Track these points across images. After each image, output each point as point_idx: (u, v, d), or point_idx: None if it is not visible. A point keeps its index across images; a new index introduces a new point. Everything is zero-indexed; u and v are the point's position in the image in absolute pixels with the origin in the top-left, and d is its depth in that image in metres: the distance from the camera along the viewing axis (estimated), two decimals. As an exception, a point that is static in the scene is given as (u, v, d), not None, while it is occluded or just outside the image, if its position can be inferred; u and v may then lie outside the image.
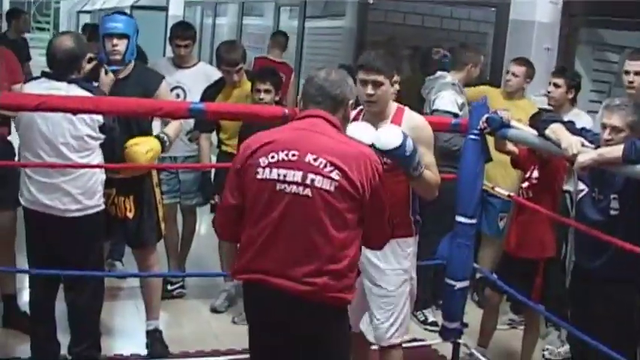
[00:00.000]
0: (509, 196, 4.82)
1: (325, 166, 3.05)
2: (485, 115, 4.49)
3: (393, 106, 4.01)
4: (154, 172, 4.82)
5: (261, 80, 5.32)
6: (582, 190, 4.20)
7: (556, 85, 5.44)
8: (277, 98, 5.38)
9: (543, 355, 5.37)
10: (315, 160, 3.06)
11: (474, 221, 4.64)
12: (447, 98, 5.60)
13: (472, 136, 4.55)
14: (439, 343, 5.09)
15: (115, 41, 4.62)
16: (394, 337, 4.03)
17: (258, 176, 3.12)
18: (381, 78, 3.84)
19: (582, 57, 6.60)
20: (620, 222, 3.95)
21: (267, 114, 4.38)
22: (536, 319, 4.97)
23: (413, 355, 5.05)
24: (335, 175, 3.05)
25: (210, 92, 5.58)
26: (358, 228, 3.17)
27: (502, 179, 5.62)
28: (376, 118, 3.91)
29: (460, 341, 4.89)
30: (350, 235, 3.13)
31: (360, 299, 3.88)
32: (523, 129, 4.43)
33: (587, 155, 3.79)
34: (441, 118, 5.16)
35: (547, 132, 4.06)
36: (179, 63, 5.96)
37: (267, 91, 5.26)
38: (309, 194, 3.05)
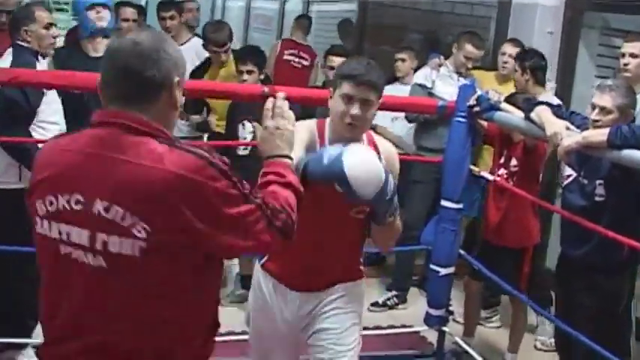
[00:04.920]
0: (494, 181, 4.67)
1: (123, 218, 1.99)
2: (477, 94, 4.36)
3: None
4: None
5: (242, 61, 5.21)
6: (570, 176, 4.08)
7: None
8: (262, 77, 5.27)
9: (535, 346, 5.27)
10: (106, 209, 2.00)
11: (460, 206, 4.51)
12: (420, 72, 5.84)
13: (459, 119, 4.41)
14: (427, 330, 4.94)
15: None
16: None
17: (37, 229, 2.13)
18: (373, 97, 2.93)
19: (587, 41, 6.44)
20: (605, 208, 3.83)
21: (245, 92, 4.26)
22: (522, 308, 4.83)
23: (400, 340, 5.06)
24: (138, 230, 1.99)
25: (198, 72, 5.59)
26: (202, 291, 2.16)
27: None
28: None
29: (446, 329, 4.77)
30: (187, 307, 2.11)
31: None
32: (513, 112, 4.28)
33: (571, 139, 3.65)
34: (429, 100, 5.16)
35: (532, 115, 3.93)
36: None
37: (249, 72, 5.15)
38: (103, 264, 2.02)
